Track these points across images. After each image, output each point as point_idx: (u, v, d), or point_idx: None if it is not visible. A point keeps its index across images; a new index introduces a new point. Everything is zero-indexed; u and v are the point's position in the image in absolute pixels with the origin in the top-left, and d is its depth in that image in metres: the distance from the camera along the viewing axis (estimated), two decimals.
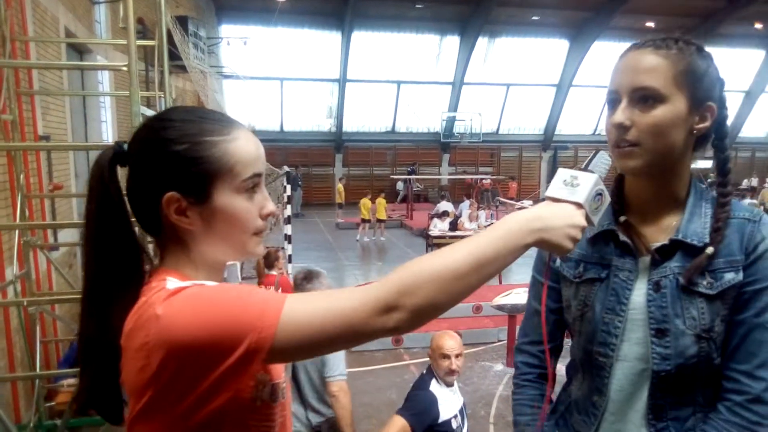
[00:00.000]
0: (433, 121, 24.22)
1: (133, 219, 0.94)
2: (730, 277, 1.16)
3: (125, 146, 0.94)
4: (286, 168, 11.11)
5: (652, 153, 1.15)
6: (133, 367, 0.82)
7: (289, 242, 10.55)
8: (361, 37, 22.02)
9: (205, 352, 0.78)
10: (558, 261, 1.33)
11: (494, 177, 22.37)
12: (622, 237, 1.25)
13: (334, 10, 20.99)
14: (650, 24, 20.87)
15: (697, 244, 1.18)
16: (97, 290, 0.92)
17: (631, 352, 1.23)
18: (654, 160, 1.16)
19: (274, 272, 5.15)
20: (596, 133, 25.20)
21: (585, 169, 1.05)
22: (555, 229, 0.93)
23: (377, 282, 0.84)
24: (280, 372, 0.97)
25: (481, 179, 21.73)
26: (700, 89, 1.15)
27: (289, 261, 10.47)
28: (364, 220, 14.63)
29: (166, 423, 0.82)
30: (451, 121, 23.99)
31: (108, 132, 9.31)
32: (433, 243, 11.31)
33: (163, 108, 4.54)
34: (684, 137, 1.16)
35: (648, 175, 1.21)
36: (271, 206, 0.97)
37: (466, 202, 14.76)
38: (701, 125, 1.17)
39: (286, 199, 10.68)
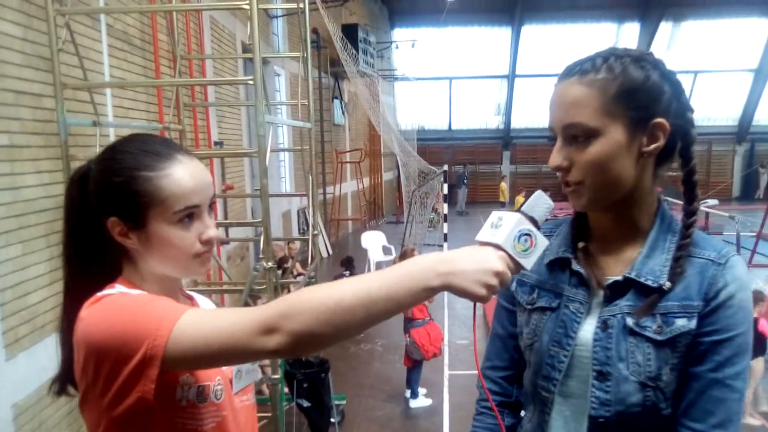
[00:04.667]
0: None
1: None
2: (681, 323, 1.04)
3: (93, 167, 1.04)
4: (444, 167, 11.29)
5: (598, 188, 1.06)
6: (74, 360, 0.96)
7: (446, 240, 10.72)
8: (531, 30, 21.54)
9: (112, 353, 0.88)
10: (514, 285, 1.25)
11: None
12: (575, 266, 1.15)
13: (504, 6, 20.78)
14: None
15: (651, 284, 1.07)
16: (70, 294, 1.05)
17: (575, 390, 1.14)
18: (602, 194, 1.06)
19: None
20: None
21: (519, 211, 0.98)
22: (463, 273, 0.86)
23: (269, 303, 0.89)
24: (211, 374, 1.04)
25: None
26: (640, 108, 1.03)
27: None
28: None
29: (98, 412, 0.95)
30: None
31: (284, 136, 10.26)
32: None
33: (309, 114, 4.87)
34: (632, 165, 1.05)
35: (603, 207, 1.11)
36: (211, 233, 1.03)
37: None
38: (652, 146, 1.05)
39: (443, 198, 10.87)
